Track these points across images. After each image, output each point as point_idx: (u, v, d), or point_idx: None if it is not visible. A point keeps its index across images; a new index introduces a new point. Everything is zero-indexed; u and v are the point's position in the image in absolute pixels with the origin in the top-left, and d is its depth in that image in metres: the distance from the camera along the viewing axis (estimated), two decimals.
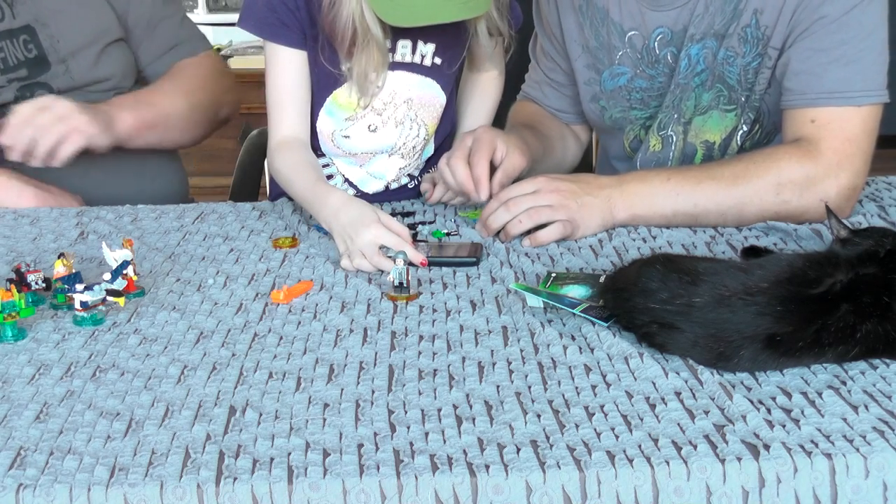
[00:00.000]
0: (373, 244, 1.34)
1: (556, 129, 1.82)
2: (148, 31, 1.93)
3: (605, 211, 1.45)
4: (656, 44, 1.62)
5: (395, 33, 1.58)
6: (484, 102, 1.75)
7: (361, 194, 1.70)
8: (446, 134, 1.73)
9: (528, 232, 1.43)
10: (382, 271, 1.33)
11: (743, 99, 1.59)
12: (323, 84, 1.61)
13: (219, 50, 4.07)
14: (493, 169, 1.51)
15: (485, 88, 1.75)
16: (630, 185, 1.47)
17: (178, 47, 1.96)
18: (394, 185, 1.71)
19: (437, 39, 1.61)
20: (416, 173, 1.72)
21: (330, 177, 1.70)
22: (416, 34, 1.59)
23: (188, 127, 1.94)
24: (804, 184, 1.45)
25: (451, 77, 1.68)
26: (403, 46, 1.60)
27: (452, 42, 1.62)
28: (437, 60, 1.63)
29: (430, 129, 1.68)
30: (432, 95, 1.66)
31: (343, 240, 1.39)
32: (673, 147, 1.67)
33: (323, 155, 1.69)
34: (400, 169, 1.69)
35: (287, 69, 1.59)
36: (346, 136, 1.65)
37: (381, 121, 1.63)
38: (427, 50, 1.62)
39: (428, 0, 1.46)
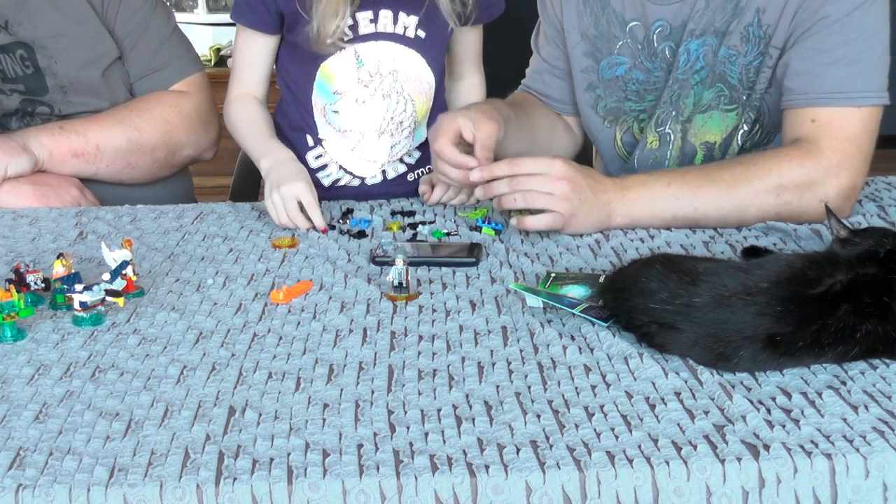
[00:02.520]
0: (293, 198, 1.52)
1: (543, 115, 1.80)
2: (133, 43, 1.88)
3: (602, 214, 1.45)
4: (655, 37, 1.62)
5: (375, 3, 1.62)
6: (472, 90, 1.78)
7: (361, 183, 1.71)
8: None
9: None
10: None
11: (744, 98, 1.59)
12: (311, 57, 1.65)
13: (218, 50, 4.06)
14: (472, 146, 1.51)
15: (467, 98, 1.77)
16: (631, 192, 1.46)
17: (161, 71, 1.91)
18: (391, 174, 1.72)
19: (418, 11, 1.63)
20: (411, 161, 1.73)
21: (325, 166, 1.71)
22: (394, 4, 1.63)
23: (131, 162, 1.85)
24: (805, 185, 1.45)
25: (438, 54, 1.70)
26: (385, 17, 1.63)
27: (434, 15, 1.64)
28: (421, 33, 1.66)
29: (419, 107, 1.70)
30: (418, 69, 1.68)
31: (270, 188, 1.55)
32: (671, 146, 1.66)
33: (316, 145, 1.71)
34: (391, 148, 1.70)
35: (250, 47, 1.70)
36: (335, 111, 1.68)
37: (368, 93, 1.66)
38: (410, 22, 1.65)
39: None
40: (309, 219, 1.53)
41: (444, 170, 1.53)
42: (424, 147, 1.72)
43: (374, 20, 1.63)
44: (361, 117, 1.68)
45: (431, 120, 1.71)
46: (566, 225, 1.43)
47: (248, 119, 1.70)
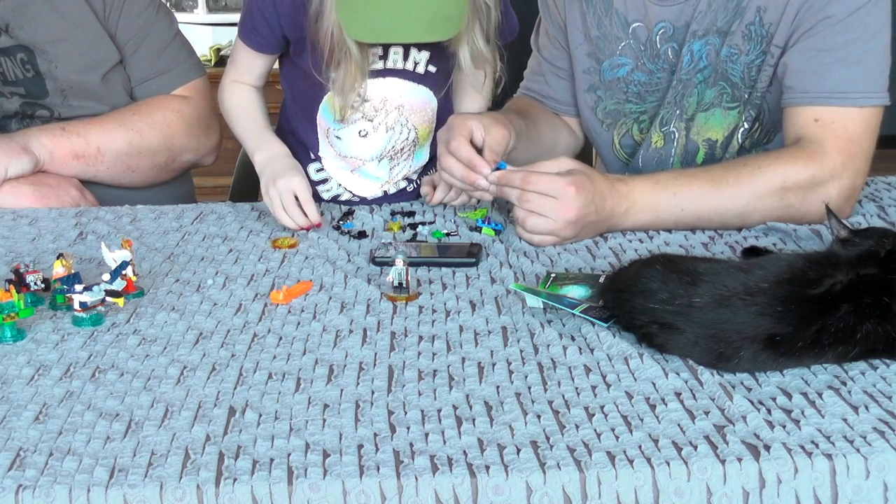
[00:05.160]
0: (290, 191, 1.53)
1: (547, 119, 1.79)
2: (135, 47, 1.88)
3: (603, 226, 1.45)
4: (658, 38, 1.62)
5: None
6: (475, 105, 1.75)
7: (360, 199, 1.70)
8: None
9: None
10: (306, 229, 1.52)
11: (746, 96, 1.59)
12: (320, 83, 1.62)
13: (218, 50, 4.06)
14: (480, 151, 1.49)
15: (474, 86, 1.75)
16: (637, 204, 1.45)
17: (163, 76, 1.91)
18: (392, 190, 1.70)
19: (431, 48, 1.61)
20: (413, 177, 1.72)
21: (325, 180, 1.70)
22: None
23: (132, 166, 1.85)
24: (808, 187, 1.45)
25: (445, 83, 1.67)
26: (395, 53, 1.60)
27: (447, 51, 1.61)
28: (432, 69, 1.63)
29: (421, 132, 1.68)
30: (424, 101, 1.66)
31: (266, 184, 1.56)
32: (675, 144, 1.66)
33: (317, 159, 1.69)
34: (391, 170, 1.69)
35: (250, 59, 1.69)
36: (338, 137, 1.66)
37: (371, 126, 1.64)
38: (421, 57, 1.62)
39: (392, 18, 1.47)
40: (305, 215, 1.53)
41: (453, 169, 1.50)
42: (428, 166, 1.72)
43: (384, 56, 1.60)
44: (363, 147, 1.66)
45: (435, 142, 1.70)
46: (564, 242, 1.43)
47: (242, 105, 1.69)
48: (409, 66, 1.62)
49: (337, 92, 1.59)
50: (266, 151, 1.62)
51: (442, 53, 1.61)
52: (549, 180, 1.40)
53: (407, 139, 1.67)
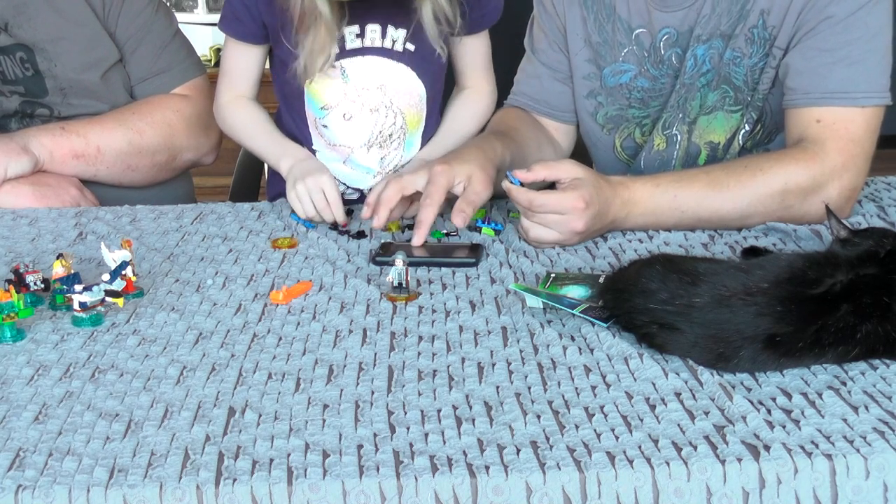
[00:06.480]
0: (319, 190, 1.55)
1: (533, 137, 1.73)
2: (135, 46, 1.88)
3: (604, 230, 1.45)
4: (662, 44, 1.62)
5: (362, 18, 1.60)
6: (463, 122, 1.72)
7: (358, 193, 1.70)
8: (433, 134, 1.72)
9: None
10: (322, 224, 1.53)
11: (748, 99, 1.59)
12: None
13: (218, 50, 4.06)
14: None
15: (464, 106, 1.73)
16: (638, 207, 1.44)
17: (163, 75, 1.91)
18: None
19: (406, 25, 1.61)
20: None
21: None
22: (382, 18, 1.61)
23: (131, 165, 1.85)
24: (809, 188, 1.45)
25: (431, 67, 1.66)
26: (372, 31, 1.62)
27: (423, 29, 1.60)
28: (410, 47, 1.64)
29: (409, 119, 1.68)
30: (408, 83, 1.66)
31: (294, 180, 1.57)
32: (677, 146, 1.66)
33: (313, 154, 1.70)
34: (381, 160, 1.69)
35: (238, 56, 1.70)
36: (325, 126, 1.67)
37: (355, 108, 1.65)
38: (398, 35, 1.63)
39: None
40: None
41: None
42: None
43: (361, 35, 1.61)
44: (349, 132, 1.67)
45: (427, 134, 1.70)
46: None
47: (251, 120, 1.70)
48: (388, 44, 1.63)
49: (306, 55, 1.59)
50: (292, 156, 1.64)
51: (420, 31, 1.61)
52: (555, 200, 1.39)
53: (394, 124, 1.67)
